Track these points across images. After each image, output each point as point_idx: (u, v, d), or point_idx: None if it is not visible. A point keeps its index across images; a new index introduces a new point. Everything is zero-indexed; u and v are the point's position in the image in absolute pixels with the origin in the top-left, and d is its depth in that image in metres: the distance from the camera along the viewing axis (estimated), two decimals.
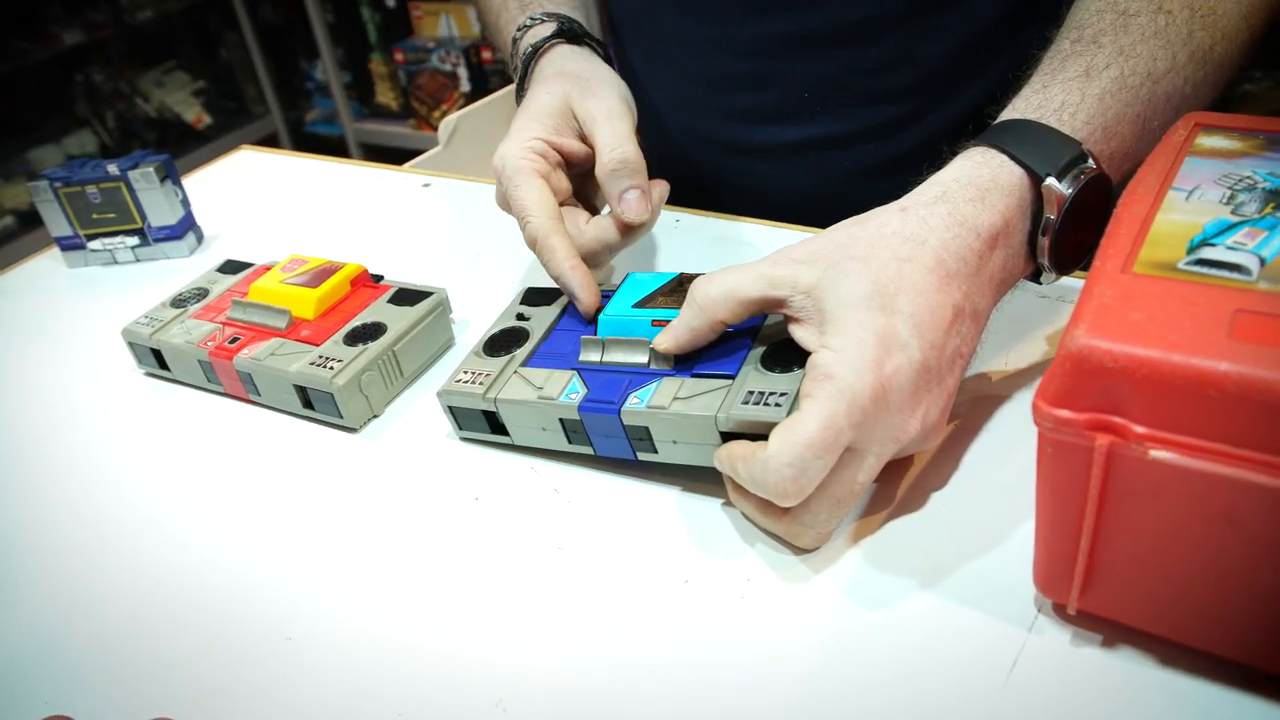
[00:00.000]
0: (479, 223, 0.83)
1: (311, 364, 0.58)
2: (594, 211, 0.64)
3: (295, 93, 3.35)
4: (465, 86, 2.73)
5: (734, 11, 0.72)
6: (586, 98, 0.62)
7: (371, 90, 3.03)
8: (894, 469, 0.48)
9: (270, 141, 3.31)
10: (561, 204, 0.61)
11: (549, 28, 0.69)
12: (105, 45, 2.93)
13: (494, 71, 2.67)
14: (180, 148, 3.10)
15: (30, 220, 2.72)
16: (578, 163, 0.62)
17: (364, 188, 0.94)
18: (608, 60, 0.70)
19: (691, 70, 0.76)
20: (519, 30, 0.71)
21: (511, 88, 1.57)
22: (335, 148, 3.16)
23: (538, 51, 0.68)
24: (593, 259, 0.60)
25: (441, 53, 2.74)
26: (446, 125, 1.46)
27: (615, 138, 0.59)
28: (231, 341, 0.62)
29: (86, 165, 0.86)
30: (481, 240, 0.79)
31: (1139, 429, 0.33)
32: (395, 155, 2.91)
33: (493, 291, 0.70)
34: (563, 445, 0.51)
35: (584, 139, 0.61)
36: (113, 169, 0.84)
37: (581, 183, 0.64)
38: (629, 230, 0.60)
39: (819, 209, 0.75)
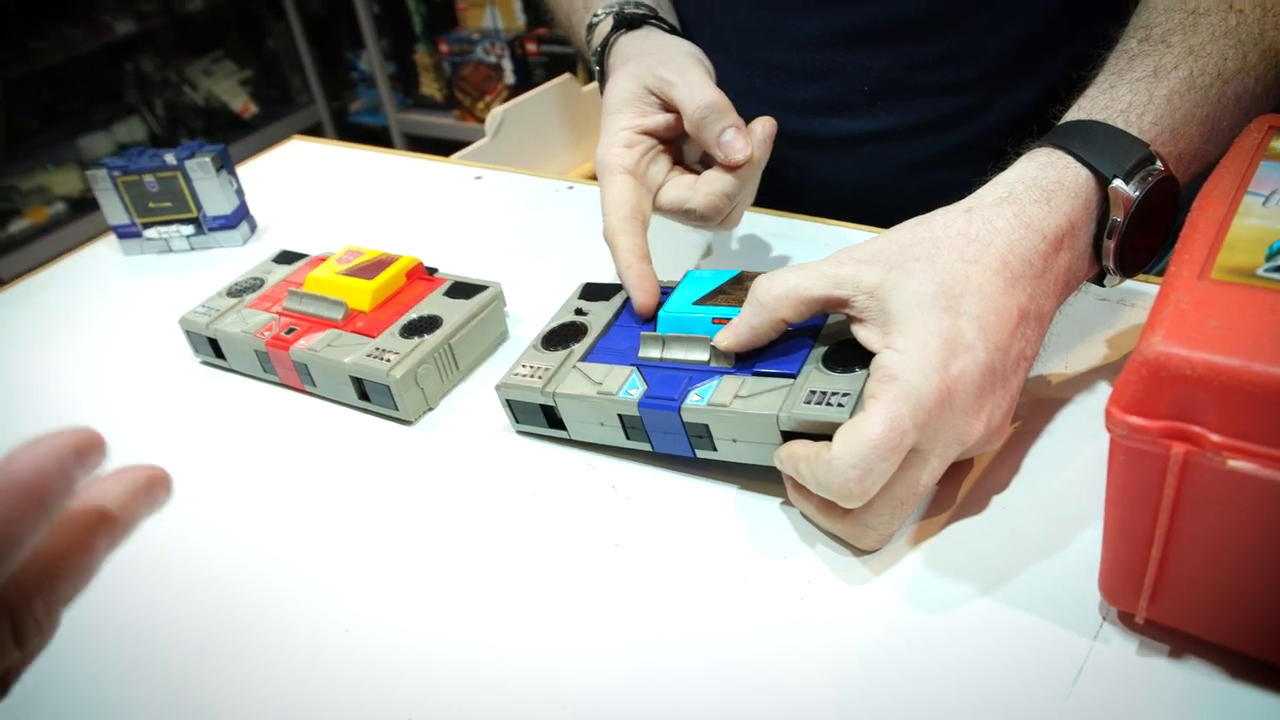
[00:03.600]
0: (531, 216, 0.83)
1: (368, 356, 0.58)
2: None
3: (339, 83, 3.37)
4: (510, 78, 2.73)
5: (796, 3, 0.72)
6: (655, 69, 0.62)
7: (416, 81, 3.04)
8: (955, 471, 0.48)
9: (315, 131, 3.34)
10: (661, 184, 0.61)
11: (609, 23, 0.69)
12: (155, 34, 2.97)
13: (538, 64, 2.68)
14: (227, 136, 3.12)
15: (81, 206, 2.75)
16: (675, 132, 0.62)
17: (415, 179, 0.95)
18: (674, 29, 0.70)
19: (751, 62, 0.75)
20: (588, 31, 0.72)
21: (559, 80, 1.58)
22: (379, 138, 3.17)
23: (605, 50, 0.68)
24: (715, 212, 0.59)
25: (486, 44, 2.75)
26: (494, 117, 1.46)
27: (691, 89, 0.59)
28: (288, 332, 0.63)
29: (144, 154, 0.87)
30: (533, 234, 0.80)
31: (1216, 438, 0.33)
32: (439, 146, 2.93)
33: (545, 285, 0.70)
34: (621, 441, 0.51)
35: (670, 108, 0.61)
36: (170, 158, 0.85)
37: (690, 148, 0.64)
38: (738, 171, 0.59)
39: (876, 202, 0.74)
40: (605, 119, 0.63)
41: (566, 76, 1.57)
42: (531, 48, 2.67)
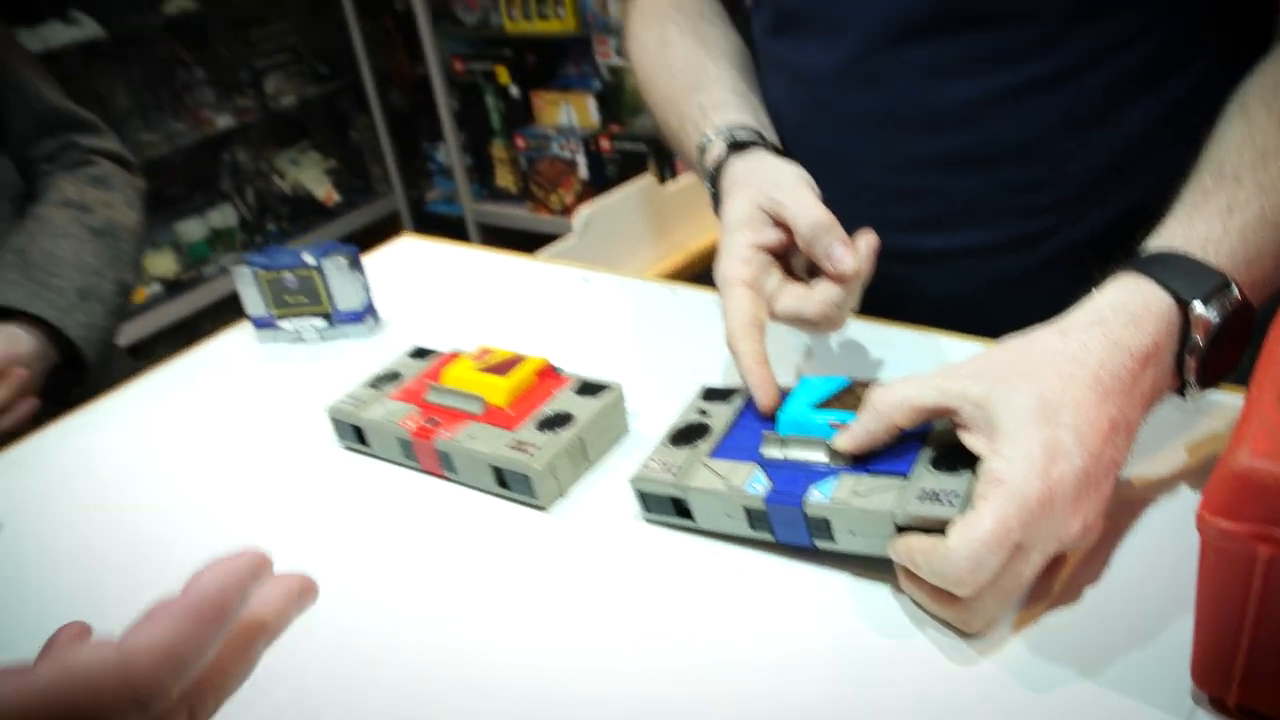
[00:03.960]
0: (635, 318, 0.90)
1: (509, 448, 0.65)
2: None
3: (416, 173, 3.52)
4: (584, 173, 2.85)
5: (892, 131, 0.79)
6: (767, 190, 0.69)
7: (491, 173, 3.17)
8: (1053, 564, 0.53)
9: (393, 220, 3.49)
10: (773, 292, 0.67)
11: (720, 145, 0.77)
12: (249, 128, 3.14)
13: (611, 160, 2.79)
14: (309, 223, 3.28)
15: (175, 288, 2.90)
16: (786, 247, 0.68)
17: (520, 278, 1.02)
18: (779, 150, 0.77)
19: (848, 182, 0.82)
20: (699, 151, 0.79)
21: (642, 182, 1.66)
22: (454, 226, 3.31)
23: (718, 172, 0.75)
24: (826, 320, 0.65)
25: (561, 140, 2.87)
26: (582, 217, 1.55)
27: (801, 208, 0.66)
28: (430, 422, 0.69)
29: (284, 253, 0.95)
30: (638, 334, 0.86)
31: None
32: (514, 235, 3.04)
33: (654, 384, 0.76)
34: (745, 531, 0.57)
35: (781, 226, 0.68)
36: (308, 258, 0.93)
37: (797, 259, 0.71)
38: (847, 281, 0.65)
39: (968, 311, 0.80)
40: (724, 236, 0.69)
41: (649, 179, 1.66)
42: (605, 144, 2.79)
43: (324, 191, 3.34)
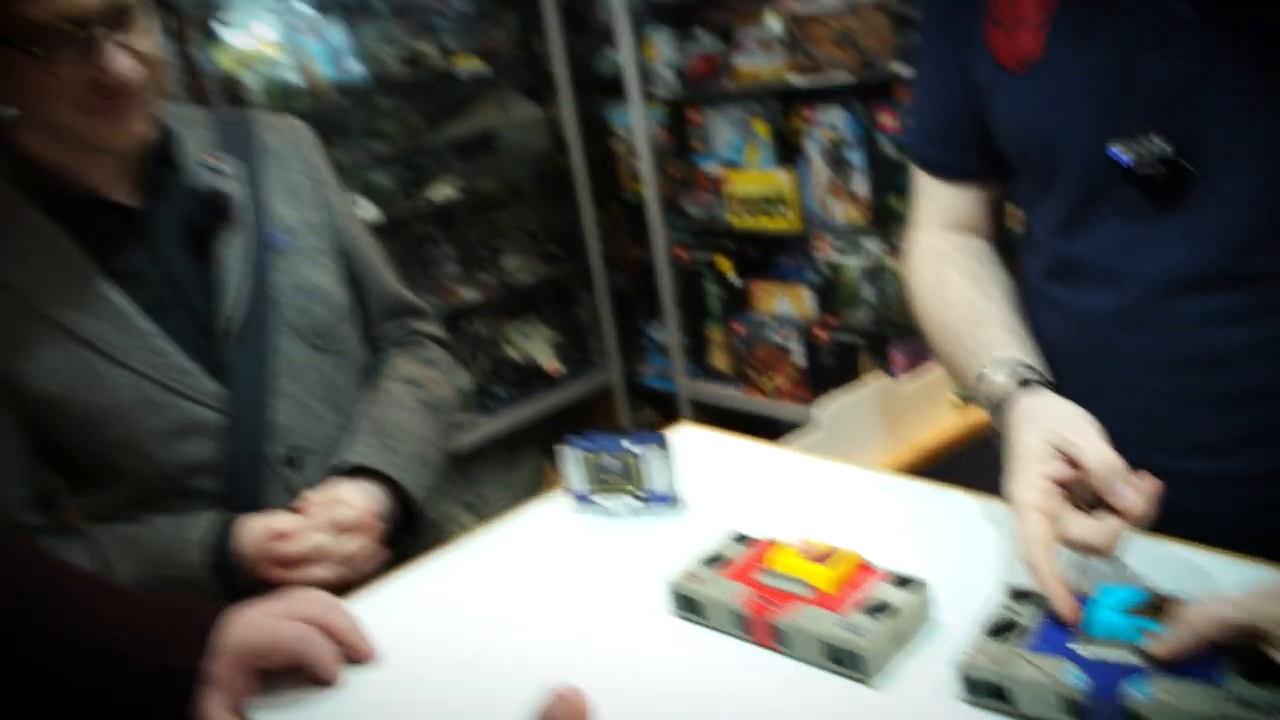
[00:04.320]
0: (914, 516, 1.01)
1: (844, 630, 0.77)
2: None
3: (632, 348, 3.76)
4: (800, 361, 3.00)
5: (1163, 371, 0.90)
6: (1058, 429, 0.81)
7: (705, 353, 3.37)
8: None
9: (606, 392, 3.72)
10: (1056, 520, 0.78)
11: (1005, 379, 0.89)
12: (490, 302, 3.46)
13: (826, 350, 2.93)
14: (533, 390, 3.54)
15: None
16: (1072, 482, 0.80)
17: (789, 467, 1.15)
18: (1056, 387, 0.89)
19: (1114, 408, 0.92)
20: (978, 378, 0.92)
21: (881, 384, 1.79)
22: (665, 402, 3.51)
23: (1003, 402, 0.88)
24: (1110, 550, 0.76)
25: (778, 328, 3.05)
26: (825, 412, 1.69)
27: (1096, 450, 0.78)
28: (765, 601, 0.82)
29: (606, 439, 1.11)
30: (919, 531, 0.98)
31: None
32: (724, 414, 3.21)
33: (936, 577, 0.85)
34: (1059, 718, 0.67)
35: (1070, 462, 0.79)
36: (627, 444, 1.09)
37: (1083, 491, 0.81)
38: (1133, 518, 0.76)
39: (1230, 532, 0.88)
40: (1018, 463, 0.82)
41: (886, 380, 1.80)
42: (821, 334, 2.95)
43: (549, 362, 3.61)
